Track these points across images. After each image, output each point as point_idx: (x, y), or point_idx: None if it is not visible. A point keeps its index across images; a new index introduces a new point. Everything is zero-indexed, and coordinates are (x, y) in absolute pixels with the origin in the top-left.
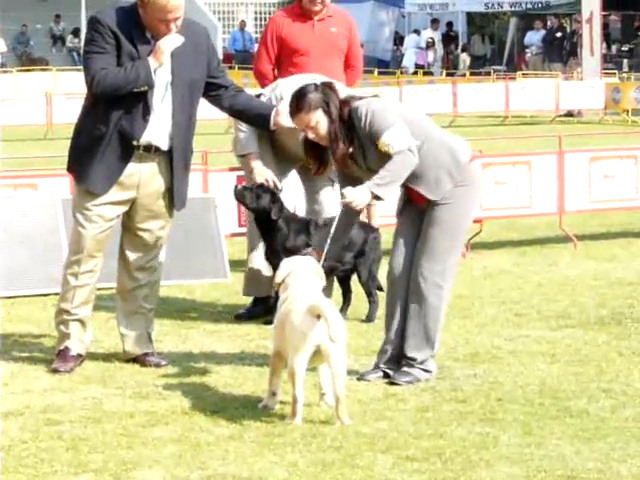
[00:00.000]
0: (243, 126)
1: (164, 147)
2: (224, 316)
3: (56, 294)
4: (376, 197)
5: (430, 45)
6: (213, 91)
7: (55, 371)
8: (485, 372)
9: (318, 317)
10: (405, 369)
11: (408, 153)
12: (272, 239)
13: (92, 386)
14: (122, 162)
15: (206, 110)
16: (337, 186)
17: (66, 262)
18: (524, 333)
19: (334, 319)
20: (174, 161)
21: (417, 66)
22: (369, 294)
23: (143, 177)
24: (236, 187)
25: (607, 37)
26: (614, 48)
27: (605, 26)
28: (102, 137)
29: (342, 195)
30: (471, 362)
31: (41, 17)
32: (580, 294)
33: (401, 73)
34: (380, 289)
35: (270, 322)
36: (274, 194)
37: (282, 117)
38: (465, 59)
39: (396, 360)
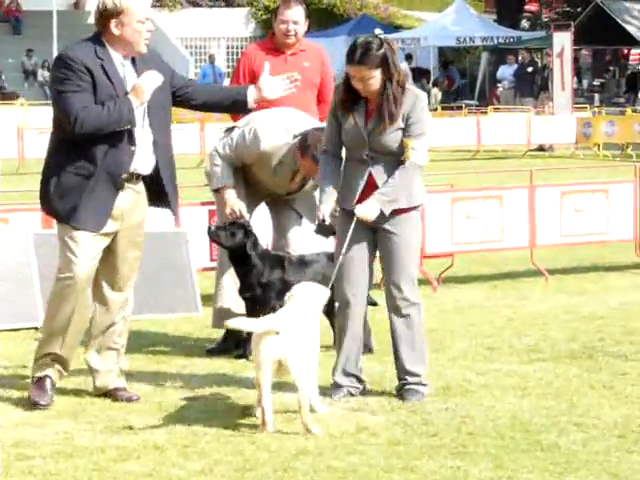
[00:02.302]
0: (217, 160)
1: (146, 172)
2: (196, 350)
3: (28, 329)
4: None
5: None
6: (180, 95)
7: (35, 405)
8: (456, 406)
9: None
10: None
11: (420, 172)
12: (247, 274)
13: (63, 421)
14: (112, 196)
15: (177, 145)
16: (304, 221)
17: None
18: (495, 367)
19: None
20: (164, 179)
21: None
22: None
23: (127, 206)
24: (210, 228)
25: (578, 72)
26: (585, 82)
27: (576, 61)
28: (90, 175)
29: (354, 213)
30: (442, 396)
31: (13, 51)
32: (551, 328)
33: None
34: (373, 304)
35: (241, 356)
36: (247, 229)
37: (264, 91)
38: (436, 93)
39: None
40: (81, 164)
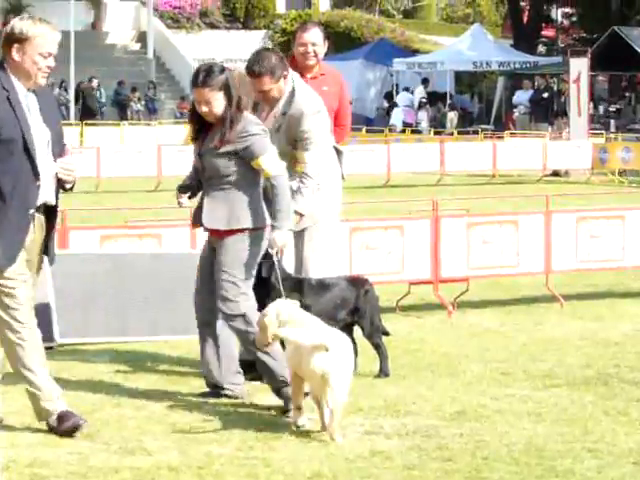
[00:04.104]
0: None
1: (53, 202)
2: None
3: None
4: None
5: (423, 105)
6: None
7: (77, 428)
8: (471, 431)
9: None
10: None
11: (284, 175)
12: (265, 298)
13: (78, 441)
14: (23, 231)
15: (187, 165)
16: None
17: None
18: (510, 392)
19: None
20: (55, 213)
21: (405, 124)
22: (376, 347)
23: (33, 235)
24: None
25: (594, 97)
26: (601, 108)
27: (592, 86)
28: None
29: (273, 245)
30: (457, 421)
31: None
32: (566, 354)
33: (389, 131)
34: (386, 334)
35: (254, 379)
36: (266, 252)
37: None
38: (452, 118)
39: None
40: None
